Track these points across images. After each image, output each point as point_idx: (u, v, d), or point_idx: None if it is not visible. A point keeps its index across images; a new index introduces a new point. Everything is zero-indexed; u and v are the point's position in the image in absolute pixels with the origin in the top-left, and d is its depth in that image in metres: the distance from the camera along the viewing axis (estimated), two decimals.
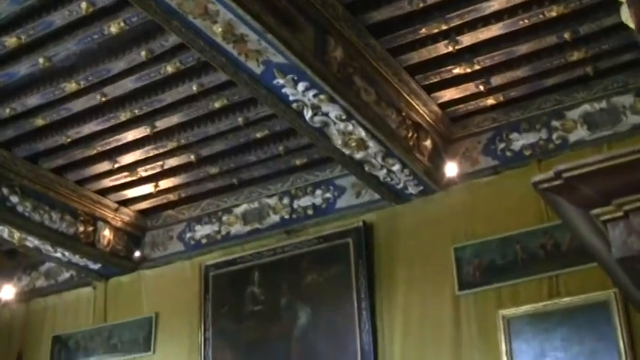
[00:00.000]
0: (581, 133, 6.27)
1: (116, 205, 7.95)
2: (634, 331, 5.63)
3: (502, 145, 6.57)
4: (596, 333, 5.71)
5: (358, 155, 6.17)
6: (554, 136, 6.34)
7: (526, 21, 5.64)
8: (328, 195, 7.18)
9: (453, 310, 6.32)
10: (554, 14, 5.55)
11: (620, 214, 2.74)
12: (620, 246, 2.70)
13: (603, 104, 6.22)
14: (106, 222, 7.87)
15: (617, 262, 2.80)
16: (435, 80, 6.30)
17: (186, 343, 7.51)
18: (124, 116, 6.57)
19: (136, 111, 6.50)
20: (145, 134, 6.82)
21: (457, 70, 6.17)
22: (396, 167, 6.31)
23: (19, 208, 7.10)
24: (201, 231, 7.84)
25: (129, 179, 7.55)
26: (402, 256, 6.69)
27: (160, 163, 7.26)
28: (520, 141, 6.50)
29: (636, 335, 5.63)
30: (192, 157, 7.14)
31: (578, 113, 6.31)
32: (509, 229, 6.26)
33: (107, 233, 7.85)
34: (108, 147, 7.03)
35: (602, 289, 5.71)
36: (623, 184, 2.71)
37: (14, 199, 7.07)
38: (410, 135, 6.25)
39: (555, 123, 6.38)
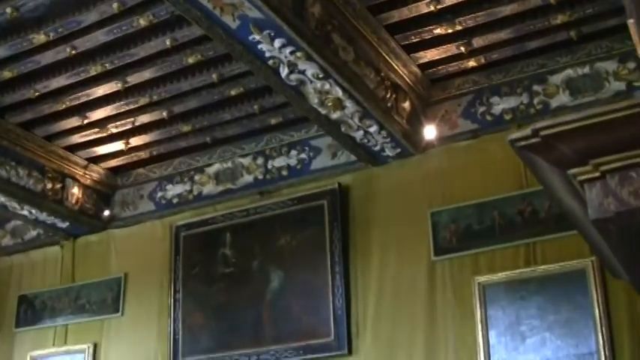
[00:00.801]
0: (562, 98, 6.28)
1: (85, 162, 7.90)
2: (610, 300, 5.68)
3: (482, 109, 6.57)
4: (573, 302, 5.76)
5: (335, 115, 6.15)
6: (535, 101, 6.35)
7: None
8: (303, 156, 7.17)
9: (428, 275, 6.35)
10: None
11: (597, 174, 2.75)
12: (597, 207, 2.71)
13: (586, 69, 6.23)
14: (75, 179, 7.82)
15: (592, 223, 2.81)
16: (416, 40, 6.28)
17: (155, 304, 7.53)
18: (94, 70, 6.49)
19: (107, 65, 6.43)
20: (116, 89, 6.75)
21: (438, 31, 6.15)
22: (374, 129, 6.29)
23: None
24: (173, 190, 7.82)
25: (99, 135, 7.49)
26: (378, 220, 6.71)
27: (131, 119, 7.20)
28: (501, 105, 6.50)
29: (612, 305, 5.68)
30: (165, 114, 7.08)
31: (560, 78, 6.31)
32: (487, 195, 6.28)
33: (76, 191, 7.80)
34: (77, 102, 6.95)
35: (580, 257, 5.78)
36: (600, 143, 2.72)
37: None
38: (388, 96, 6.23)
39: (537, 87, 6.38)
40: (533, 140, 2.82)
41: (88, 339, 7.84)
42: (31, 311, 8.24)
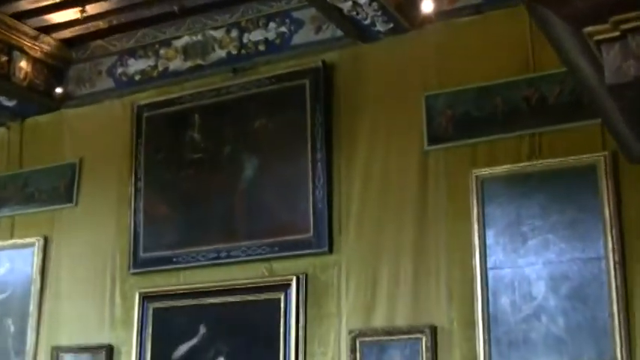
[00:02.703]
0: None
1: (35, 32, 7.70)
2: (622, 200, 5.65)
3: None
4: (580, 200, 5.74)
5: None
6: None
7: None
8: (283, 29, 7.02)
9: (420, 166, 6.32)
10: None
11: (616, 33, 2.66)
12: (615, 71, 2.63)
13: None
14: (23, 52, 7.65)
15: (608, 90, 2.73)
16: None
17: (114, 193, 7.52)
18: None
19: None
20: None
21: None
22: None
23: None
24: (135, 66, 7.68)
25: (51, 2, 7.31)
26: (366, 103, 6.62)
27: None
28: None
29: (624, 205, 5.65)
30: None
31: None
32: (489, 78, 6.19)
33: (24, 65, 7.66)
34: None
35: (591, 151, 5.73)
36: None
37: None
38: None
39: None
40: None
41: (37, 232, 7.81)
42: None
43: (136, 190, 7.30)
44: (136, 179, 7.31)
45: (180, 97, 7.33)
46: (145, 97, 7.59)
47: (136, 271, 7.26)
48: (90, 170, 7.71)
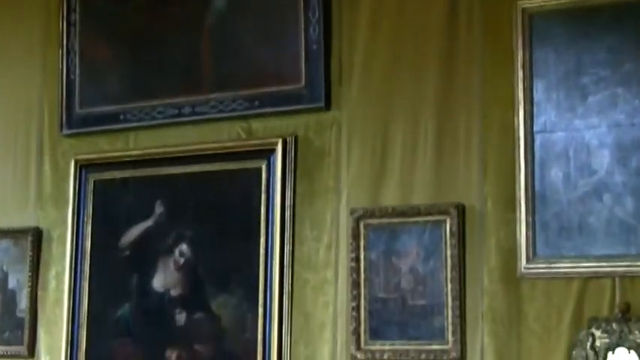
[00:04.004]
0: None
1: None
2: None
3: None
4: None
5: None
6: None
7: None
8: None
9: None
10: None
11: None
12: None
13: None
14: None
15: None
16: None
17: (37, 29, 6.94)
18: None
19: None
20: None
21: None
22: None
23: None
24: None
25: None
26: None
27: None
28: None
29: None
30: None
31: None
32: None
33: None
34: None
35: None
36: None
37: None
38: None
39: None
40: None
41: None
42: None
43: (69, 24, 6.72)
44: (69, 10, 6.72)
45: None
46: None
47: (70, 132, 6.66)
48: None
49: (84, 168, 6.55)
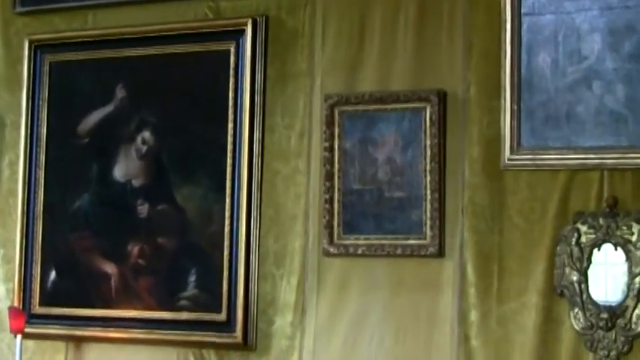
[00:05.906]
0: None
1: None
2: None
3: None
4: None
5: None
6: None
7: None
8: None
9: None
10: None
11: None
12: None
13: None
14: None
15: None
16: None
17: None
18: None
19: None
20: None
21: None
22: None
23: None
24: None
25: None
26: None
27: None
28: None
29: None
30: None
31: None
32: None
33: None
34: None
35: None
36: None
37: None
38: None
39: None
40: None
41: None
42: None
43: None
44: None
45: None
46: None
47: (24, 9, 6.47)
48: None
49: (39, 48, 6.36)
